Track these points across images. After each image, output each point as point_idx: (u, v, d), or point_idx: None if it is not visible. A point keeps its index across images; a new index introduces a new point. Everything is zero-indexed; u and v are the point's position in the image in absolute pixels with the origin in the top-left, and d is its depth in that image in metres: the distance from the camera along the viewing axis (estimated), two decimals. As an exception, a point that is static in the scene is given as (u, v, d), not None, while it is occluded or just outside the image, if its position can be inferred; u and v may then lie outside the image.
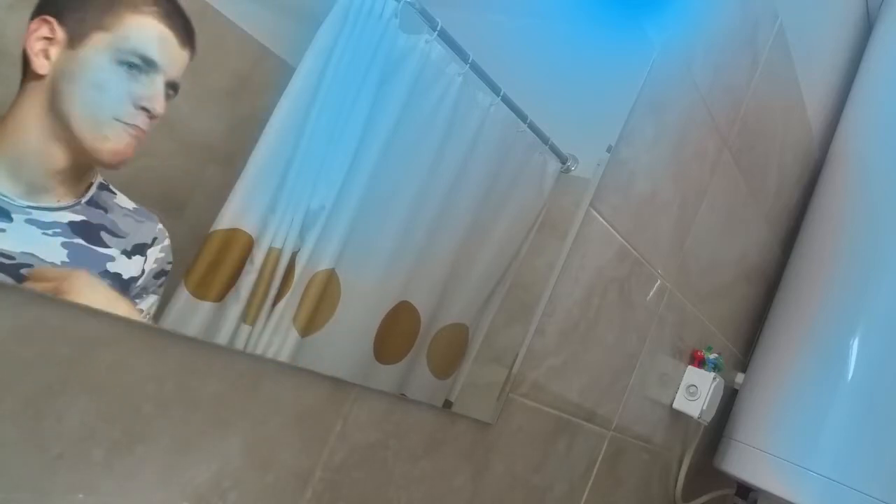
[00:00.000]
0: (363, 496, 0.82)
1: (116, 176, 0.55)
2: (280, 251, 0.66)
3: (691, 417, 1.47)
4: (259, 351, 0.66)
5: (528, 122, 0.88)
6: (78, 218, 0.54)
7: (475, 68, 0.77)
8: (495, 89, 0.81)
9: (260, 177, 0.63)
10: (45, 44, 0.50)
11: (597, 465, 1.26)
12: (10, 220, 0.50)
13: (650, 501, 1.52)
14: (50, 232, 0.52)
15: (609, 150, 1.00)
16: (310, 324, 0.71)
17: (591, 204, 1.01)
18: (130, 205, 0.57)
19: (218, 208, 0.61)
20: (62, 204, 0.54)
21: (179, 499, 0.64)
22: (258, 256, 0.64)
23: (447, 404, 0.90)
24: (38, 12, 0.49)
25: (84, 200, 0.55)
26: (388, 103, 0.71)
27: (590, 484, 1.25)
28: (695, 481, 1.71)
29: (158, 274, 0.60)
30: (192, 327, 0.61)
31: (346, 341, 0.76)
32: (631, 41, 1.01)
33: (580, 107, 1.00)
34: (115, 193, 0.56)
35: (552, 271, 0.98)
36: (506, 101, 0.83)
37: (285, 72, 0.62)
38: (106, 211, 0.56)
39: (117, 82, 0.53)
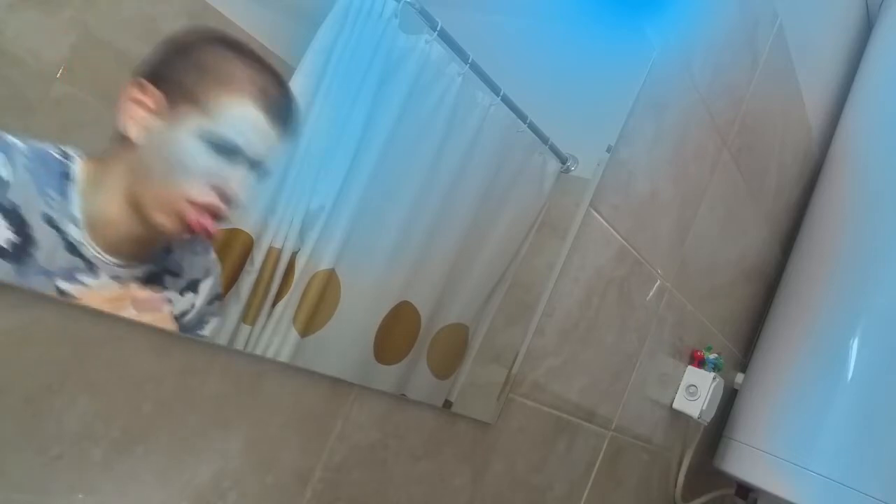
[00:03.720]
0: (363, 496, 0.82)
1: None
2: (280, 251, 0.66)
3: (691, 417, 1.47)
4: (259, 351, 0.66)
5: (527, 122, 0.88)
6: (151, 269, 0.56)
7: (475, 68, 0.77)
8: (495, 89, 0.81)
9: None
10: (137, 108, 0.51)
11: (597, 465, 1.26)
12: (97, 276, 0.52)
13: (650, 501, 1.52)
14: (127, 286, 0.55)
15: (609, 150, 1.00)
16: (310, 324, 0.71)
17: (591, 204, 1.01)
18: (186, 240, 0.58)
19: (218, 208, 0.61)
20: (137, 261, 0.55)
21: (179, 499, 0.64)
22: (258, 256, 0.64)
23: (447, 404, 0.90)
24: (139, 74, 0.50)
25: (160, 245, 0.57)
26: (388, 103, 0.71)
27: (590, 484, 1.25)
28: (695, 481, 1.71)
29: (211, 300, 0.61)
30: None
31: (346, 341, 0.76)
32: (631, 41, 1.01)
33: (580, 107, 1.00)
34: None
35: (552, 271, 0.98)
36: (506, 101, 0.83)
37: (285, 72, 0.62)
38: (171, 251, 0.58)
39: (198, 162, 0.53)
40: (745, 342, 1.84)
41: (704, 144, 1.27)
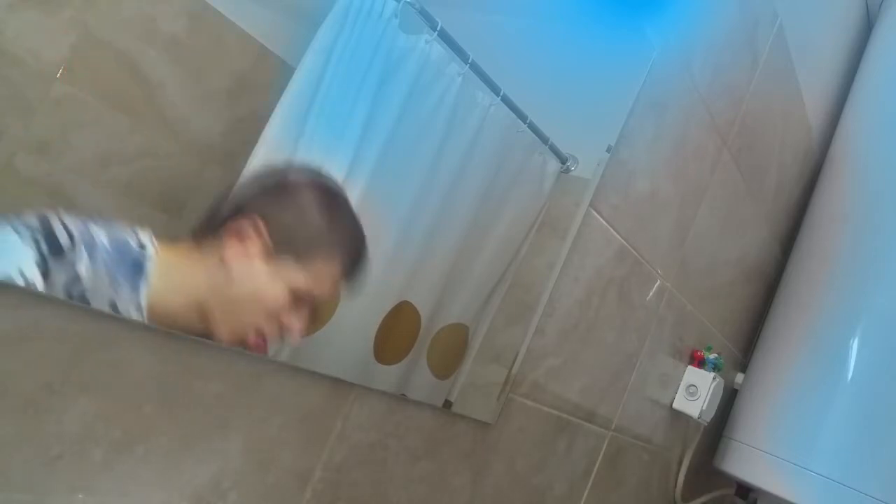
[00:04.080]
0: (363, 496, 0.82)
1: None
2: (280, 251, 0.66)
3: (691, 417, 1.47)
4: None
5: (527, 122, 0.88)
6: None
7: (475, 68, 0.77)
8: (495, 89, 0.81)
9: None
10: (245, 243, 0.56)
11: (597, 465, 1.26)
12: None
13: (650, 501, 1.52)
14: None
15: (609, 150, 1.00)
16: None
17: (591, 204, 1.01)
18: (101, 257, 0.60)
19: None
20: None
21: (179, 499, 0.64)
22: (258, 256, 0.64)
23: (447, 404, 0.90)
24: (255, 206, 0.57)
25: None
26: (388, 103, 0.71)
27: (590, 484, 1.25)
28: (695, 481, 1.71)
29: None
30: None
31: (346, 341, 0.76)
32: (630, 41, 1.01)
33: (580, 107, 1.00)
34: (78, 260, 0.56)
35: (552, 271, 0.98)
36: (506, 101, 0.83)
37: (285, 72, 0.62)
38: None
39: (275, 301, 0.59)
40: (745, 342, 1.84)
41: (704, 144, 1.27)
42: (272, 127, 0.63)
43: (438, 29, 0.72)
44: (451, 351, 0.90)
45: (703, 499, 1.72)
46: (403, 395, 0.84)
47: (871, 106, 1.78)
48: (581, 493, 1.24)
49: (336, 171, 0.69)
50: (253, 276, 0.57)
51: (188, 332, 0.57)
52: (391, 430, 0.83)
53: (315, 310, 0.62)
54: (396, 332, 0.81)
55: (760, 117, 1.45)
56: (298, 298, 0.60)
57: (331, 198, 0.62)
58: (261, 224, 0.56)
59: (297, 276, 0.58)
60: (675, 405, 1.47)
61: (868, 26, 1.95)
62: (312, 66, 0.64)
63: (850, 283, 1.59)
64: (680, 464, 1.61)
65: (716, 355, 1.51)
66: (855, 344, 1.54)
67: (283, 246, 0.57)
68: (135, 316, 0.53)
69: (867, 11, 1.92)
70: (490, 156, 0.86)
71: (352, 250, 0.63)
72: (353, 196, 0.71)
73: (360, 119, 0.70)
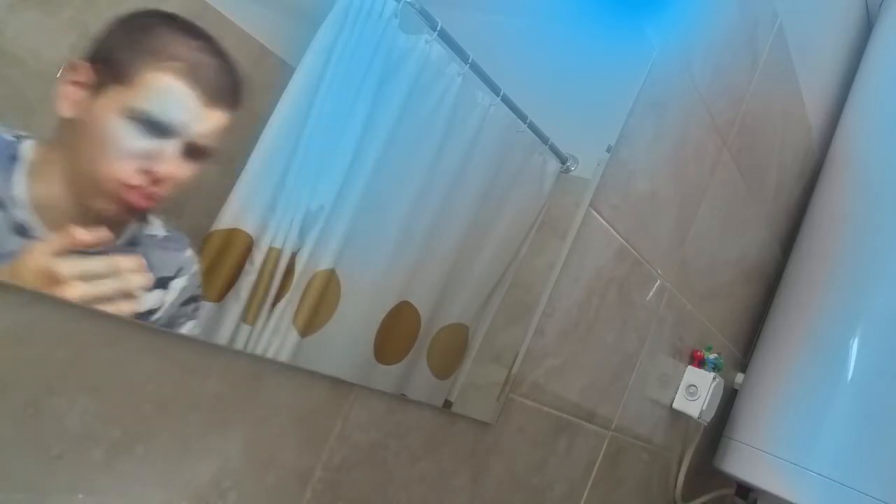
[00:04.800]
0: (363, 496, 0.82)
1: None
2: (280, 251, 0.66)
3: (691, 417, 1.47)
4: (259, 351, 0.66)
5: (527, 122, 0.88)
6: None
7: (475, 68, 0.77)
8: (495, 89, 0.81)
9: (260, 177, 0.63)
10: (75, 88, 0.49)
11: (597, 465, 1.26)
12: None
13: (650, 501, 1.52)
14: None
15: (609, 150, 1.00)
16: (310, 324, 0.71)
17: (591, 204, 1.01)
18: (162, 232, 0.57)
19: (218, 208, 0.61)
20: (93, 249, 0.52)
21: (179, 499, 0.64)
22: (258, 256, 0.64)
23: (447, 404, 0.90)
24: (82, 58, 0.49)
25: (120, 241, 0.55)
26: (388, 103, 0.71)
27: (590, 484, 1.25)
28: (695, 481, 1.71)
29: (187, 301, 0.59)
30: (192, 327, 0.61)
31: (346, 341, 0.76)
32: (630, 41, 1.01)
33: (580, 107, 1.00)
34: (149, 223, 0.56)
35: (552, 271, 0.98)
36: (506, 101, 0.83)
37: (285, 72, 0.62)
38: (136, 246, 0.56)
39: (124, 141, 0.51)
40: (745, 342, 1.84)
41: (704, 144, 1.27)
42: (272, 127, 0.63)
43: (438, 29, 0.72)
44: (451, 351, 0.90)
45: (703, 499, 1.72)
46: (403, 395, 0.84)
47: (871, 106, 1.78)
48: (581, 493, 1.24)
49: (336, 170, 0.69)
50: (83, 122, 0.50)
51: (79, 218, 0.51)
52: (391, 430, 0.83)
53: (196, 149, 0.53)
54: (396, 332, 0.81)
55: (760, 117, 1.45)
56: (152, 131, 0.52)
57: (166, 23, 0.52)
58: (84, 66, 0.49)
59: (133, 101, 0.50)
60: (675, 405, 1.47)
61: (868, 26, 1.95)
62: (312, 66, 0.64)
63: (850, 283, 1.59)
64: (680, 464, 1.61)
65: (716, 355, 1.51)
66: (855, 344, 1.54)
67: (105, 79, 0.50)
68: (19, 213, 0.49)
69: (867, 11, 1.92)
70: (490, 156, 0.86)
71: (202, 66, 0.53)
72: (353, 196, 0.71)
73: (360, 119, 0.70)
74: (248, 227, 0.63)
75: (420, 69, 0.73)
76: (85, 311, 0.53)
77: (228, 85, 0.55)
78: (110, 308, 0.52)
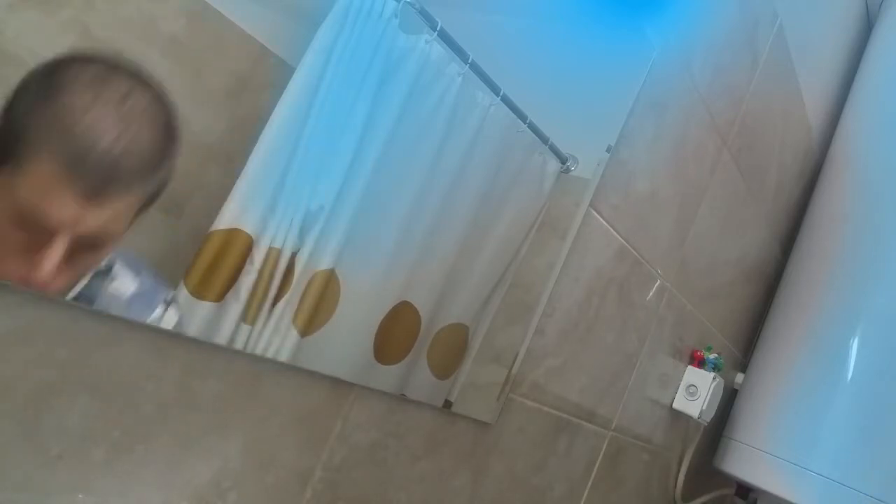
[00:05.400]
0: (363, 496, 0.82)
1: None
2: (280, 251, 0.66)
3: (691, 417, 1.47)
4: (259, 351, 0.66)
5: (527, 122, 0.88)
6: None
7: (475, 68, 0.77)
8: (495, 89, 0.81)
9: (260, 177, 0.63)
10: None
11: (597, 465, 1.26)
12: None
13: (650, 501, 1.52)
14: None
15: (609, 150, 1.00)
16: (310, 324, 0.71)
17: (591, 204, 1.01)
18: (131, 288, 0.52)
19: (218, 208, 0.61)
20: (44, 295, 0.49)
21: (179, 499, 0.64)
22: (258, 256, 0.64)
23: (447, 404, 0.90)
24: None
25: (68, 297, 0.50)
26: (388, 103, 0.71)
27: (590, 484, 1.25)
28: (695, 481, 1.71)
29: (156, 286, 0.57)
30: (192, 327, 0.61)
31: (346, 341, 0.76)
32: (630, 41, 1.01)
33: (580, 107, 1.00)
34: (114, 279, 0.51)
35: (552, 271, 0.98)
36: (506, 101, 0.83)
37: (285, 72, 0.62)
38: (94, 302, 0.51)
39: (9, 235, 0.45)
40: (745, 342, 1.84)
41: (704, 144, 1.27)
42: (272, 127, 0.63)
43: (438, 29, 0.72)
44: (451, 351, 0.90)
45: (703, 499, 1.72)
46: (403, 395, 0.84)
47: (871, 106, 1.78)
48: (581, 493, 1.24)
49: (336, 170, 0.69)
50: None
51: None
52: (391, 430, 0.83)
53: (79, 242, 0.47)
54: (396, 332, 0.81)
55: (760, 117, 1.45)
56: (26, 221, 0.44)
57: (68, 79, 0.45)
58: None
59: (14, 189, 0.43)
60: (675, 405, 1.47)
61: (868, 26, 1.95)
62: (312, 66, 0.64)
63: (850, 283, 1.59)
64: (680, 464, 1.61)
65: (716, 355, 1.51)
66: (855, 344, 1.54)
67: (1, 156, 0.43)
68: None
69: (867, 11, 1.92)
70: (490, 156, 0.86)
71: (86, 144, 0.44)
72: (353, 196, 0.71)
73: (360, 119, 0.70)
74: (248, 227, 0.63)
75: (420, 69, 0.73)
76: (85, 311, 0.53)
77: (128, 167, 0.47)
78: None
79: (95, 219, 0.46)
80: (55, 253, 0.46)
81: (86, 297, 0.52)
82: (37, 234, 0.45)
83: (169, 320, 0.56)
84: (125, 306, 0.52)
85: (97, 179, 0.45)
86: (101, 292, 0.52)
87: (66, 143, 0.44)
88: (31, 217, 0.44)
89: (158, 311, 0.54)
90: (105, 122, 0.45)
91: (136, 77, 0.47)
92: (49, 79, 0.44)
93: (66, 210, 0.45)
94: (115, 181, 0.46)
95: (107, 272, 0.51)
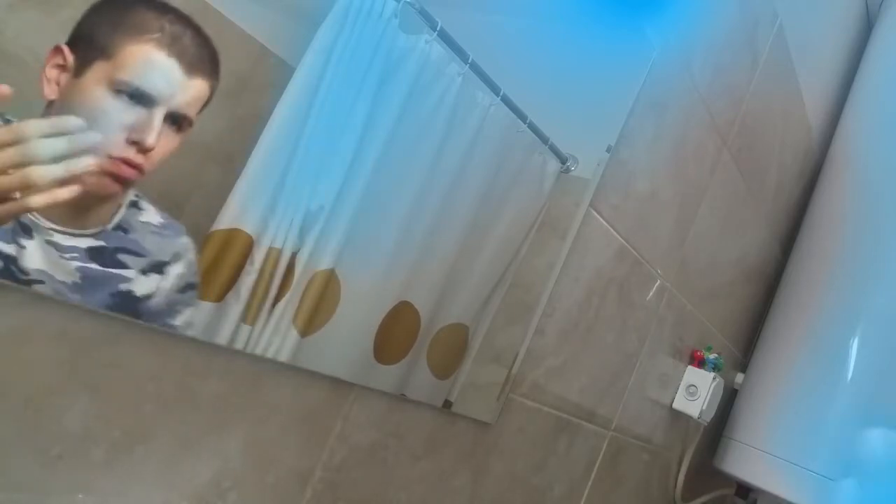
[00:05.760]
0: (363, 496, 0.82)
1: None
2: (280, 251, 0.66)
3: (691, 417, 1.47)
4: (259, 351, 0.66)
5: (527, 122, 0.88)
6: (97, 244, 0.54)
7: (475, 68, 0.77)
8: (495, 89, 0.81)
9: (260, 177, 0.63)
10: (57, 71, 0.50)
11: (597, 465, 1.26)
12: (31, 238, 0.50)
13: (650, 501, 1.52)
14: (67, 256, 0.52)
15: (609, 150, 1.00)
16: (310, 324, 0.71)
17: (591, 204, 1.01)
18: (157, 219, 0.57)
19: (218, 208, 0.61)
20: (85, 231, 0.53)
21: (179, 499, 0.64)
22: (258, 256, 0.64)
23: (447, 404, 0.90)
24: (64, 42, 0.50)
25: (110, 226, 0.55)
26: (388, 103, 0.71)
27: (590, 484, 1.25)
28: (695, 481, 1.71)
29: (184, 288, 0.59)
30: (193, 327, 0.61)
31: (345, 341, 0.76)
32: (630, 42, 1.01)
33: (580, 107, 1.00)
34: (143, 210, 0.56)
35: (552, 271, 0.98)
36: (505, 101, 0.83)
37: (285, 72, 0.62)
38: (128, 232, 0.56)
39: (111, 113, 0.51)
40: (745, 342, 1.84)
41: (704, 144, 1.27)
42: (272, 127, 0.63)
43: (438, 29, 0.72)
44: (451, 351, 0.90)
45: (703, 499, 1.72)
46: (403, 395, 0.84)
47: (871, 106, 1.78)
48: (581, 493, 1.24)
49: (336, 170, 0.69)
50: (67, 99, 0.50)
51: (85, 199, 0.49)
52: (391, 430, 0.83)
53: (179, 119, 0.54)
54: (396, 332, 0.81)
55: (760, 117, 1.45)
56: (135, 101, 0.52)
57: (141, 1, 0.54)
58: (62, 46, 0.49)
59: (115, 74, 0.50)
60: (675, 405, 1.47)
61: (868, 26, 1.95)
62: (312, 66, 0.64)
63: (850, 283, 1.59)
64: (680, 464, 1.61)
65: (716, 355, 1.51)
66: (855, 344, 1.54)
67: (86, 58, 0.50)
68: None
69: (867, 11, 1.92)
70: (490, 156, 0.86)
71: (178, 38, 0.53)
72: (353, 196, 0.71)
73: (360, 119, 0.70)
74: (248, 227, 0.63)
75: (420, 69, 0.73)
76: (85, 311, 0.53)
77: (206, 56, 0.55)
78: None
79: (185, 94, 0.54)
80: (158, 121, 0.53)
81: (123, 226, 0.56)
82: (139, 110, 0.52)
83: (189, 250, 0.60)
84: (157, 234, 0.57)
85: (191, 56, 0.54)
86: (135, 222, 0.56)
87: (160, 31, 0.52)
88: (135, 89, 0.52)
89: (184, 239, 0.60)
90: (182, 21, 0.54)
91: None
92: (115, 2, 0.52)
93: (169, 80, 0.53)
94: (202, 60, 0.55)
95: (136, 205, 0.56)
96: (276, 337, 0.68)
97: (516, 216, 0.94)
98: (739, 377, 1.74)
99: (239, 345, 0.65)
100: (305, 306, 0.69)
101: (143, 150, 0.53)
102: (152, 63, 0.53)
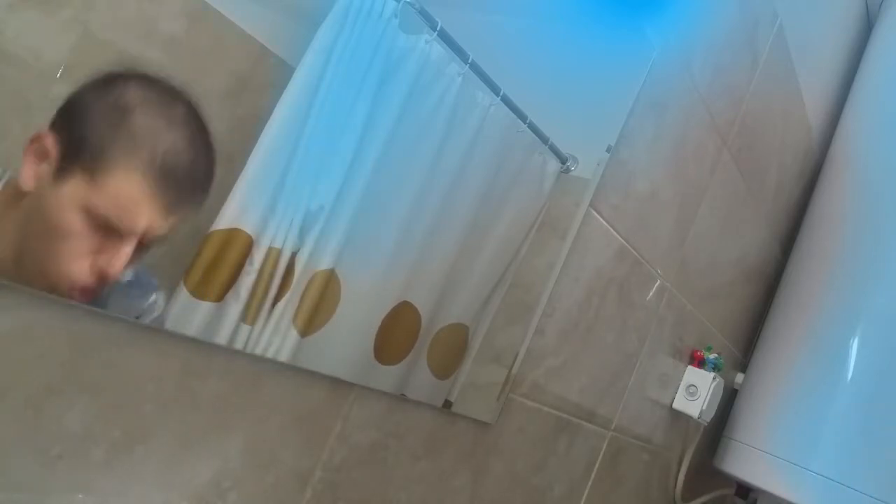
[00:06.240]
0: (363, 496, 0.82)
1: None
2: (280, 251, 0.66)
3: (691, 417, 1.47)
4: (259, 351, 0.66)
5: (527, 122, 0.88)
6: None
7: (475, 68, 0.77)
8: (495, 89, 0.81)
9: (260, 177, 0.63)
10: (37, 161, 0.47)
11: (597, 465, 1.26)
12: None
13: (650, 501, 1.52)
14: None
15: (609, 150, 1.00)
16: (310, 324, 0.71)
17: (591, 204, 1.01)
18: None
19: (218, 208, 0.61)
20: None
21: (179, 499, 0.64)
22: (258, 256, 0.64)
23: (447, 404, 0.90)
24: (51, 125, 0.47)
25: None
26: (388, 103, 0.71)
27: (590, 484, 1.25)
28: (695, 481, 1.71)
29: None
30: (192, 327, 0.61)
31: (345, 341, 0.76)
32: (630, 41, 1.01)
33: (580, 107, 1.00)
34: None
35: (552, 271, 0.98)
36: (505, 101, 0.83)
37: (285, 72, 0.62)
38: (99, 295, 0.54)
39: (80, 239, 0.49)
40: (745, 342, 1.84)
41: (704, 144, 1.27)
42: (272, 127, 0.63)
43: (438, 29, 0.72)
44: (451, 351, 0.90)
45: (703, 499, 1.72)
46: (403, 395, 0.84)
47: (871, 106, 1.78)
48: (581, 493, 1.24)
49: (336, 170, 0.69)
50: (41, 202, 0.47)
51: (10, 280, 0.48)
52: (391, 430, 0.83)
53: (141, 244, 0.51)
54: (396, 332, 0.81)
55: (760, 117, 1.45)
56: (101, 226, 0.49)
57: (141, 93, 0.50)
58: (51, 139, 0.46)
59: (88, 195, 0.47)
60: (675, 405, 1.47)
61: (868, 26, 1.95)
62: (312, 66, 0.64)
63: (850, 283, 1.59)
64: (680, 464, 1.61)
65: (716, 355, 1.51)
66: (855, 344, 1.54)
67: (70, 161, 0.47)
68: None
69: (867, 11, 1.92)
70: (490, 156, 0.86)
71: (168, 156, 0.49)
72: (353, 196, 0.71)
73: (360, 119, 0.70)
74: (248, 227, 0.63)
75: (420, 69, 0.73)
76: (85, 310, 0.53)
77: (196, 184, 0.54)
78: None
79: (166, 227, 0.52)
80: (126, 254, 0.51)
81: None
82: (108, 238, 0.50)
83: (158, 308, 0.58)
84: (123, 296, 0.55)
85: (177, 195, 0.52)
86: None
87: (151, 163, 0.49)
88: (109, 223, 0.49)
89: (153, 297, 0.58)
90: (180, 144, 0.51)
91: (189, 98, 0.52)
92: (114, 96, 0.49)
93: (147, 220, 0.51)
94: (190, 195, 0.53)
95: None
96: (276, 337, 0.68)
97: (516, 216, 0.94)
98: (739, 377, 1.74)
99: (239, 345, 0.65)
100: (305, 306, 0.69)
101: (105, 277, 0.51)
102: (135, 203, 0.50)
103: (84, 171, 0.48)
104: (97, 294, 0.52)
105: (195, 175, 0.53)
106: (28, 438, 0.53)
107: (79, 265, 0.50)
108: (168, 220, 0.52)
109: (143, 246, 0.52)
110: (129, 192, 0.49)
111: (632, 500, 1.44)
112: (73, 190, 0.48)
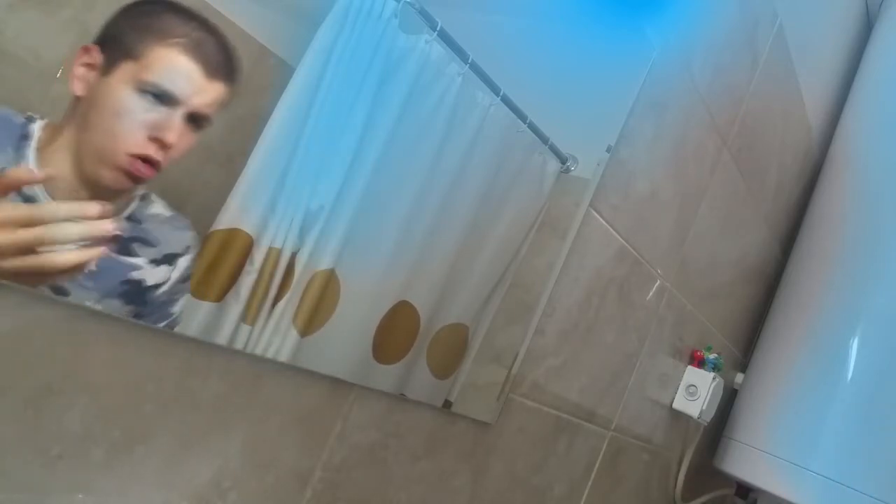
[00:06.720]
0: (363, 496, 0.82)
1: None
2: (280, 251, 0.66)
3: (691, 417, 1.47)
4: (259, 351, 0.66)
5: (527, 122, 0.88)
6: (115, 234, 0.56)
7: (475, 68, 0.77)
8: (495, 89, 0.81)
9: (260, 177, 0.63)
10: (85, 69, 0.52)
11: (597, 465, 1.26)
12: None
13: (650, 501, 1.52)
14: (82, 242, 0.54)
15: (609, 150, 1.00)
16: (309, 324, 0.71)
17: (591, 204, 1.01)
18: (168, 213, 0.59)
19: (218, 208, 0.61)
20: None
21: (179, 499, 0.64)
22: (258, 256, 0.65)
23: (447, 404, 0.90)
24: (94, 40, 0.52)
25: (124, 215, 0.57)
26: (387, 103, 0.71)
27: (590, 484, 1.25)
28: (695, 481, 1.71)
29: (185, 279, 0.61)
30: (192, 327, 0.61)
31: (345, 341, 0.76)
32: (630, 41, 1.01)
33: (580, 107, 1.00)
34: (153, 202, 0.58)
35: (552, 271, 0.98)
36: (505, 101, 0.83)
37: (285, 72, 0.62)
38: (142, 223, 0.59)
39: (136, 112, 0.54)
40: (745, 342, 1.84)
41: (704, 144, 1.27)
42: (272, 127, 0.63)
43: (438, 29, 0.72)
44: (451, 351, 0.90)
45: (703, 499, 1.72)
46: (403, 395, 0.84)
47: (871, 106, 1.78)
48: (581, 493, 1.24)
49: (336, 170, 0.69)
50: (94, 95, 0.53)
51: (85, 192, 0.54)
52: (391, 430, 0.83)
53: (192, 118, 0.57)
54: (396, 331, 0.81)
55: (760, 117, 1.45)
56: (157, 100, 0.55)
57: (168, 7, 0.57)
58: (95, 49, 0.53)
59: (140, 74, 0.54)
60: (675, 405, 1.47)
61: (868, 26, 1.95)
62: (312, 66, 0.64)
63: (850, 283, 1.59)
64: (680, 464, 1.61)
65: (716, 355, 1.51)
66: (855, 344, 1.54)
67: (115, 57, 0.54)
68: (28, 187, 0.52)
69: (867, 11, 1.92)
70: (490, 156, 0.86)
71: (201, 44, 0.57)
72: (353, 196, 0.71)
73: (360, 119, 0.70)
74: (248, 227, 0.63)
75: (420, 69, 0.73)
76: (85, 310, 0.53)
77: (226, 60, 0.58)
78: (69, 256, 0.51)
79: (205, 96, 0.57)
80: (179, 124, 0.56)
81: (135, 218, 0.58)
82: (160, 110, 0.55)
83: (192, 251, 0.62)
84: (165, 225, 0.60)
85: (213, 62, 0.57)
86: (145, 214, 0.58)
87: (186, 38, 0.56)
88: (158, 88, 0.55)
89: (189, 235, 0.61)
90: (206, 33, 0.57)
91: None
92: (147, 6, 0.55)
93: (191, 84, 0.56)
94: (224, 66, 0.58)
95: (147, 197, 0.58)
96: (276, 337, 0.68)
97: (516, 216, 0.94)
98: (739, 377, 1.74)
99: (239, 345, 0.65)
100: (305, 306, 0.70)
101: (164, 146, 0.55)
102: (176, 66, 0.56)
103: (128, 58, 0.54)
104: (159, 168, 0.55)
105: (224, 52, 0.58)
106: (28, 438, 0.53)
107: (137, 138, 0.54)
108: (211, 84, 0.57)
109: (194, 121, 0.57)
110: (170, 58, 0.55)
111: (632, 500, 1.44)
112: (121, 73, 0.54)
